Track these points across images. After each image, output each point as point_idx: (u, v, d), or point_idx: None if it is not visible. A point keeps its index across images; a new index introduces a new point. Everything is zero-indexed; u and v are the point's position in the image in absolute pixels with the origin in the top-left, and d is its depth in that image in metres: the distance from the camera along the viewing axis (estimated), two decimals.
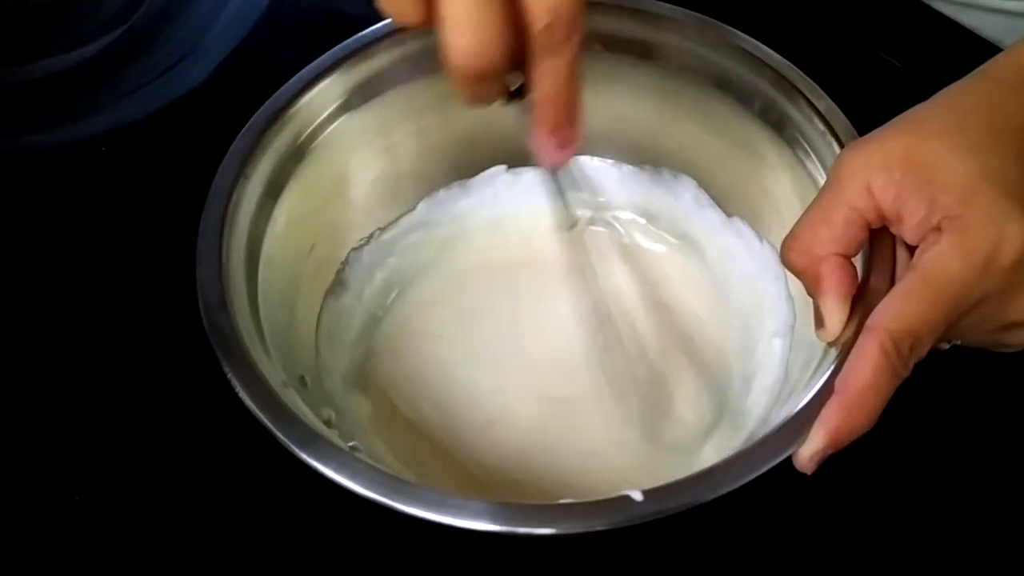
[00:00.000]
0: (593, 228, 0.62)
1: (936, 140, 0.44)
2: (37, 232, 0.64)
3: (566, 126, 0.44)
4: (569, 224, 0.53)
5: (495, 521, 0.42)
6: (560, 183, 0.50)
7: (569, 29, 0.40)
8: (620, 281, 0.60)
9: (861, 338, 0.42)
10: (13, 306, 0.61)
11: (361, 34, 0.56)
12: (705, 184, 0.61)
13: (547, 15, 0.40)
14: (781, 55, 0.56)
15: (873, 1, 0.72)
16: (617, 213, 0.63)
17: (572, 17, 0.40)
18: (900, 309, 0.42)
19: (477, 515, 0.42)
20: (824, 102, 0.53)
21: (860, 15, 0.72)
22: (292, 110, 0.55)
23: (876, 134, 0.46)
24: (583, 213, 0.62)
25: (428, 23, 0.40)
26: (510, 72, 0.42)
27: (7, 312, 0.60)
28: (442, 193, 0.62)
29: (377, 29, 0.57)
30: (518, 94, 0.44)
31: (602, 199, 0.63)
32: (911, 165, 0.43)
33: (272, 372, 0.47)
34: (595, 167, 0.63)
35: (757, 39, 0.57)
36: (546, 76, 0.42)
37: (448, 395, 0.56)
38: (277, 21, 0.72)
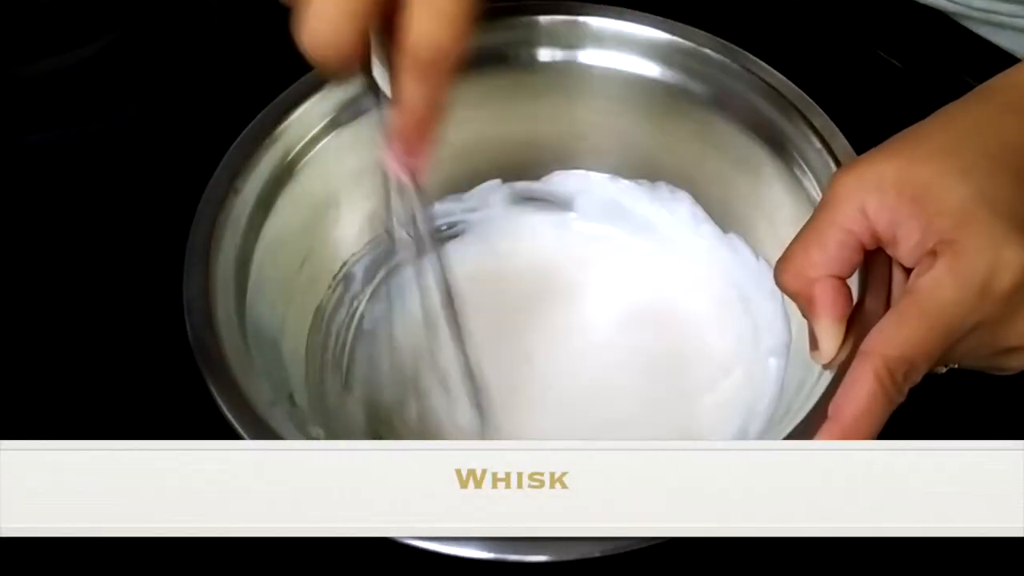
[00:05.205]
0: (587, 241, 0.62)
1: (930, 162, 0.43)
2: (36, 232, 0.64)
3: (415, 139, 0.43)
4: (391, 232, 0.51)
5: (486, 549, 0.41)
6: (395, 194, 0.48)
7: (440, 62, 0.40)
8: (614, 294, 0.60)
9: (855, 363, 0.42)
10: (10, 306, 0.61)
11: None
12: (702, 200, 0.60)
13: (422, 46, 0.40)
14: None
15: (873, 1, 0.71)
16: (612, 227, 0.63)
17: (446, 53, 0.40)
18: (895, 335, 0.42)
19: (467, 544, 0.41)
20: (821, 119, 0.53)
21: (859, 15, 0.71)
22: (282, 126, 0.55)
23: (870, 155, 0.45)
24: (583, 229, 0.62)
25: None
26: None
27: (4, 312, 0.61)
28: (436, 206, 0.61)
29: None
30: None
31: (598, 213, 0.63)
32: (905, 188, 0.43)
33: (259, 391, 0.47)
34: (591, 181, 0.62)
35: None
36: (408, 88, 0.41)
37: (438, 410, 0.56)
38: (277, 21, 0.71)
